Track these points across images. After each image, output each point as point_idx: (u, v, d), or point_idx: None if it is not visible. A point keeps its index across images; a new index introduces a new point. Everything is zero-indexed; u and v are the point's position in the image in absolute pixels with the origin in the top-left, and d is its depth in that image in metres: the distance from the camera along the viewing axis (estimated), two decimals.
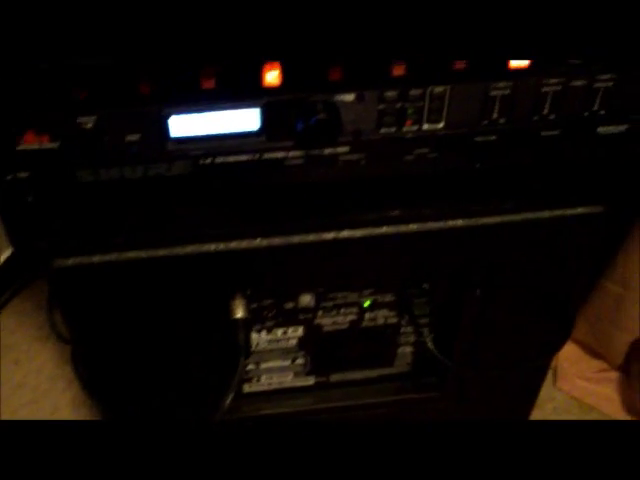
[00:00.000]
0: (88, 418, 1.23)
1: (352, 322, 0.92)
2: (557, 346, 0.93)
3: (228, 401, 0.83)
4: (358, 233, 0.77)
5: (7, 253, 1.32)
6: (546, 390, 1.19)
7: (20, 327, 1.41)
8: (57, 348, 1.35)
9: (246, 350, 0.82)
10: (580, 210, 0.78)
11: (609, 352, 1.25)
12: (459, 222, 0.77)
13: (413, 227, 0.77)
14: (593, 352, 1.29)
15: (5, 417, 1.23)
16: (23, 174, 0.69)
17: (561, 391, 1.30)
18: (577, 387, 1.29)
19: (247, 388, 1.00)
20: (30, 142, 0.66)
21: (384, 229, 0.77)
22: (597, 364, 1.29)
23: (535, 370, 1.00)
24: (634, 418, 1.22)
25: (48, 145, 0.67)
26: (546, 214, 0.78)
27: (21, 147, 0.67)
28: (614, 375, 1.28)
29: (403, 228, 0.77)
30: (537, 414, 1.12)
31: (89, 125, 0.66)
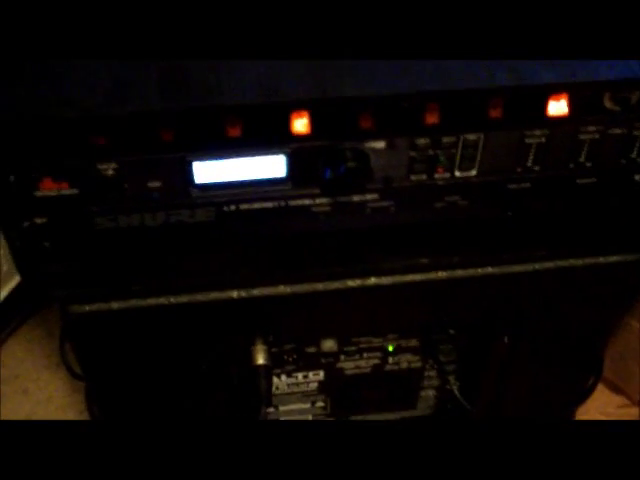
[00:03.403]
0: None
1: (375, 366, 0.90)
2: (586, 393, 0.90)
3: None
4: (385, 280, 0.74)
5: (15, 281, 1.30)
6: None
7: (29, 355, 1.38)
8: (67, 377, 1.32)
9: (267, 398, 0.79)
10: (615, 258, 0.75)
11: (631, 388, 1.22)
12: (489, 270, 0.75)
13: (442, 275, 0.74)
14: (614, 387, 1.26)
15: None
16: (40, 220, 0.66)
17: None
18: None
19: None
20: (48, 188, 0.64)
21: (412, 277, 0.74)
22: (618, 400, 1.26)
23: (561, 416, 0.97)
24: None
25: (67, 191, 0.65)
26: (580, 262, 0.75)
27: (39, 193, 0.64)
28: (635, 411, 1.25)
29: (432, 275, 0.74)
30: None
31: (109, 172, 0.64)
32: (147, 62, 0.61)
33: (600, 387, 1.26)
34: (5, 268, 1.20)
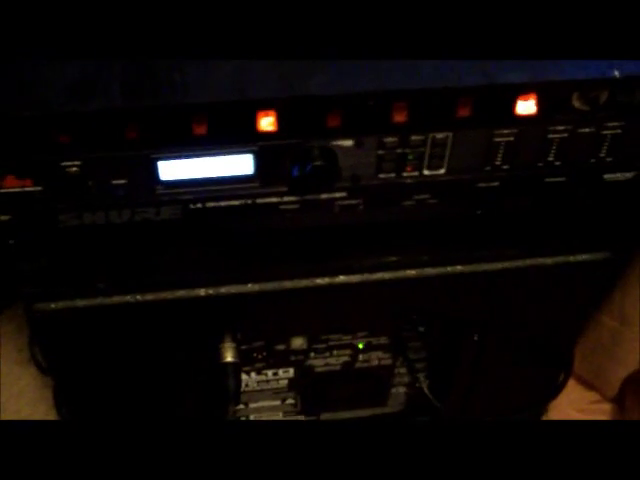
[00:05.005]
0: None
1: (345, 363, 0.89)
2: (557, 389, 0.90)
3: None
4: (354, 279, 0.74)
5: None
6: None
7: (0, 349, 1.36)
8: (39, 372, 1.31)
9: (236, 396, 0.78)
10: (585, 257, 0.75)
11: (604, 384, 1.22)
12: (459, 268, 0.75)
13: (411, 273, 0.74)
14: (586, 383, 1.25)
15: None
16: (3, 217, 0.65)
17: None
18: (570, 418, 1.26)
19: None
20: (11, 186, 0.63)
21: (381, 275, 0.74)
22: (590, 395, 1.26)
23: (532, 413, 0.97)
24: None
25: (31, 189, 0.64)
26: (549, 260, 0.75)
27: (2, 190, 0.63)
28: (608, 407, 1.25)
29: (401, 274, 0.74)
30: None
31: (73, 169, 0.63)
32: (113, 60, 0.60)
33: (573, 383, 1.26)
34: None
